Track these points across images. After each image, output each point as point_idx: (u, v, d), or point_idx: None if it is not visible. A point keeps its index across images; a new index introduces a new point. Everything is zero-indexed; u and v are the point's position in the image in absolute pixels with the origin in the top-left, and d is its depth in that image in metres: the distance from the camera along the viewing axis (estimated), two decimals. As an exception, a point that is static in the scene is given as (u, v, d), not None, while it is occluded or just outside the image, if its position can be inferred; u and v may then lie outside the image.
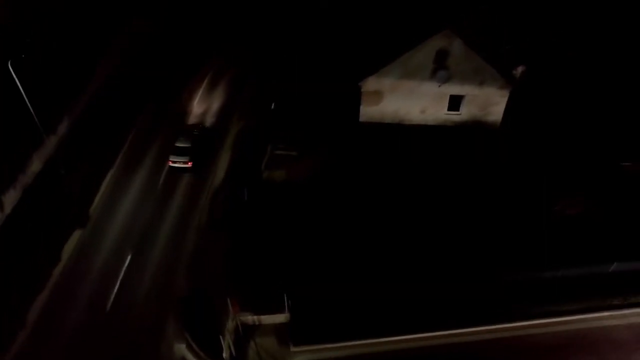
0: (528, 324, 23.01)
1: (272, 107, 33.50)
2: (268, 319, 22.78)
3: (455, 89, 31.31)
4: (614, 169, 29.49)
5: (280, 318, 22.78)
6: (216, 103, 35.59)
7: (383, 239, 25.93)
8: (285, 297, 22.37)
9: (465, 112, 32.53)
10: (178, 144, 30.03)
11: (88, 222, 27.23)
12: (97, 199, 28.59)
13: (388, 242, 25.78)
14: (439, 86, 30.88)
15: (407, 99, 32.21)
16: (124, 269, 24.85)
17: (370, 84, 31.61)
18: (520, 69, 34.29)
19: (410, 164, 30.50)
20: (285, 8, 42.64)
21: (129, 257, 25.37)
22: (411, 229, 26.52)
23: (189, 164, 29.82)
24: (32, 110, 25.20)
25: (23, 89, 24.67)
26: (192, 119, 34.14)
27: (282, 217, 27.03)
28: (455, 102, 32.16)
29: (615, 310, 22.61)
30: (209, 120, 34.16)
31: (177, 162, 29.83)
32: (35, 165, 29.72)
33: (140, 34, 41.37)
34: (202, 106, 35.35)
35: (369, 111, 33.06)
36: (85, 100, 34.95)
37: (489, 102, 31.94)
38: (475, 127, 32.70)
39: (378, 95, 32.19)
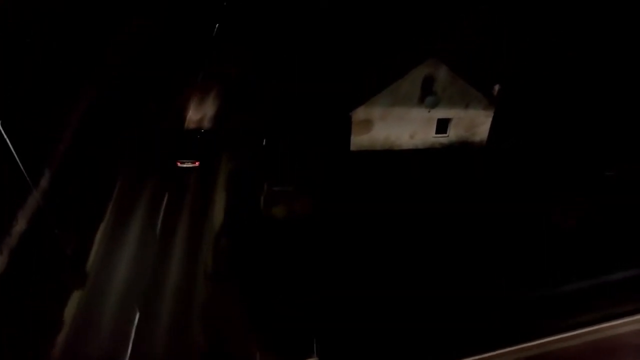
0: (546, 340, 23.49)
1: (264, 143, 33.12)
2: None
3: (442, 113, 32.13)
4: (599, 178, 30.95)
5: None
6: (210, 110, 37.21)
7: (393, 270, 25.99)
8: (314, 341, 21.89)
9: (452, 134, 33.39)
10: (184, 147, 32.38)
11: (86, 281, 25.74)
12: (92, 255, 27.16)
13: (398, 273, 25.86)
14: (429, 112, 31.60)
15: (397, 126, 32.73)
16: (133, 329, 23.58)
17: (360, 114, 31.93)
18: (496, 88, 35.64)
19: (405, 188, 30.89)
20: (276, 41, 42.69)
21: (137, 316, 24.11)
22: (417, 256, 26.74)
23: (197, 164, 32.04)
24: (20, 164, 23.49)
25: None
26: (191, 125, 35.71)
27: (293, 255, 26.59)
28: (442, 125, 32.98)
29: (630, 317, 23.53)
30: (207, 125, 35.79)
31: (185, 163, 32.04)
32: (20, 224, 27.93)
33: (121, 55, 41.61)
34: (198, 113, 36.83)
35: (359, 140, 33.32)
36: (64, 148, 33.34)
37: (474, 123, 32.96)
38: (463, 147, 33.60)
39: (368, 124, 32.55)
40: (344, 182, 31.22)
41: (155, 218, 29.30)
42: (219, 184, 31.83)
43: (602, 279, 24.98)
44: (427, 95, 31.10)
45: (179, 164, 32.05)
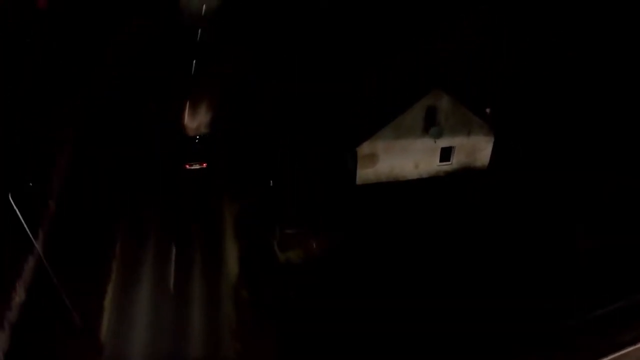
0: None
1: (271, 184, 32.23)
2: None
3: (446, 142, 32.36)
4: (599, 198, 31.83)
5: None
6: (205, 117, 39.35)
7: (422, 306, 25.56)
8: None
9: (455, 161, 33.66)
10: (190, 151, 34.46)
11: (102, 351, 23.86)
12: (104, 322, 25.26)
13: (426, 307, 25.45)
14: (435, 142, 31.75)
15: (401, 157, 32.69)
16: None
17: (365, 148, 31.70)
18: (488, 111, 36.35)
19: (414, 218, 30.75)
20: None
21: (164, 384, 22.52)
22: (442, 290, 26.48)
23: (204, 165, 34.07)
24: (27, 230, 21.61)
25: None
26: (190, 132, 37.63)
27: (318, 301, 25.67)
28: (446, 154, 33.21)
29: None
30: (204, 131, 37.91)
31: (193, 165, 34.00)
32: (20, 294, 25.74)
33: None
34: (194, 121, 38.84)
35: (365, 174, 33.03)
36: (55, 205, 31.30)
37: (476, 149, 33.38)
38: (465, 173, 33.91)
39: (373, 157, 32.34)
40: (354, 218, 30.74)
41: (165, 273, 27.75)
42: (227, 230, 30.61)
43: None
44: (431, 125, 31.28)
45: (187, 167, 34.05)
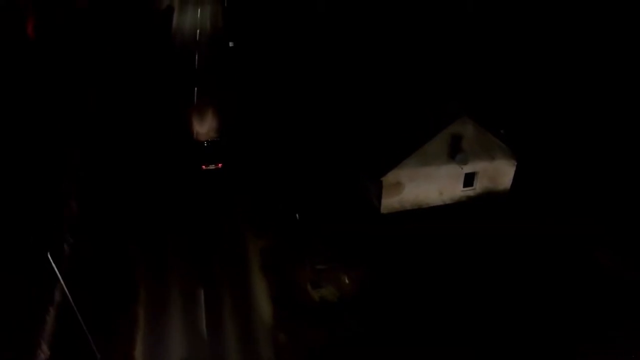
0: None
1: (297, 218, 31.34)
2: None
3: (470, 167, 32.12)
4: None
5: None
6: (212, 122, 41.93)
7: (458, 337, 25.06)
8: None
9: (478, 186, 33.43)
10: (205, 154, 37.08)
11: (140, 408, 22.45)
12: (138, 375, 23.85)
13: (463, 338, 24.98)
14: (462, 168, 31.46)
15: (426, 184, 32.34)
16: None
17: (391, 178, 31.19)
18: (502, 132, 36.40)
19: (443, 244, 30.36)
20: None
21: None
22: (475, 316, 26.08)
23: (219, 166, 36.82)
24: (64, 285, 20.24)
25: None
26: (200, 137, 39.85)
27: (361, 340, 24.86)
28: (469, 179, 32.98)
29: None
30: (213, 135, 40.13)
31: (209, 166, 36.67)
32: (45, 352, 24.12)
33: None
34: (203, 126, 41.38)
35: (390, 202, 32.49)
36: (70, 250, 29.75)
37: (499, 173, 33.24)
38: (488, 198, 33.72)
39: (398, 186, 31.83)
40: (384, 248, 30.13)
41: (195, 317, 26.48)
42: (254, 266, 29.54)
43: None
44: (456, 152, 31.02)
45: (204, 167, 36.71)
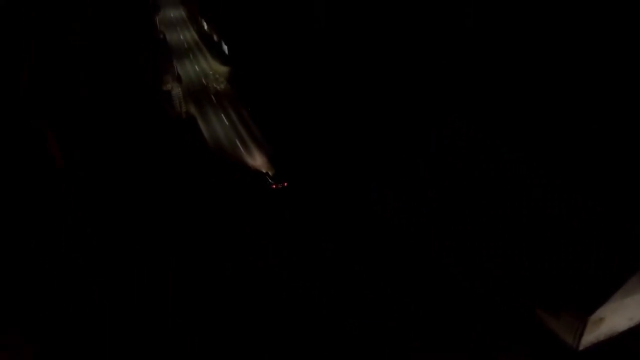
0: None
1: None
2: None
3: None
4: None
5: None
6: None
7: None
8: None
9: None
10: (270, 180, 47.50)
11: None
12: None
13: None
14: (668, 297, 28.59)
15: (621, 313, 29.11)
16: None
17: (597, 314, 27.59)
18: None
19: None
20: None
21: None
22: None
23: (285, 184, 45.67)
24: None
25: None
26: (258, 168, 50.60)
27: None
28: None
29: None
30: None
31: (278, 186, 45.60)
32: None
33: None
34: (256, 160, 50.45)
35: (588, 338, 28.81)
36: None
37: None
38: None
39: (600, 321, 28.33)
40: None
41: None
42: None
43: None
44: (658, 277, 28.10)
45: (274, 187, 45.33)
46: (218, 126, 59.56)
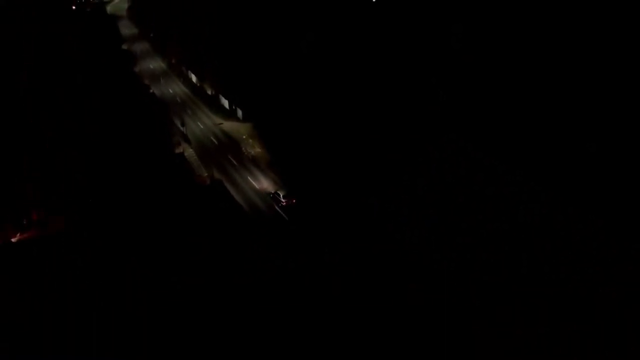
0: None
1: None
2: None
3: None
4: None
5: None
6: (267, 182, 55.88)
7: None
8: None
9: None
10: (278, 196, 50.95)
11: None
12: None
13: None
14: None
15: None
16: None
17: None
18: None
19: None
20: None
21: None
22: None
23: (294, 201, 49.67)
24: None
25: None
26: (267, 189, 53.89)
27: None
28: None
29: None
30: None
31: (286, 202, 49.33)
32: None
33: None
34: (263, 183, 54.93)
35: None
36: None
37: None
38: None
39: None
40: None
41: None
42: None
43: None
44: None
45: (283, 204, 49.16)
46: (250, 192, 55.11)
